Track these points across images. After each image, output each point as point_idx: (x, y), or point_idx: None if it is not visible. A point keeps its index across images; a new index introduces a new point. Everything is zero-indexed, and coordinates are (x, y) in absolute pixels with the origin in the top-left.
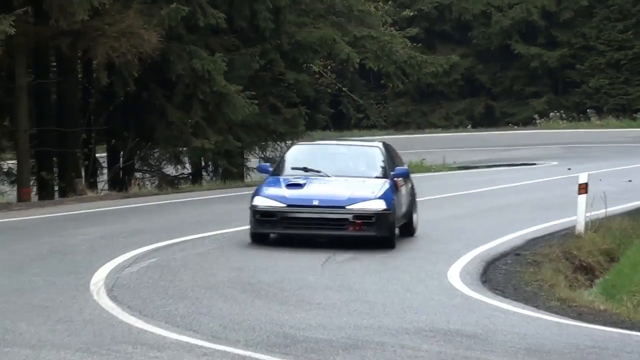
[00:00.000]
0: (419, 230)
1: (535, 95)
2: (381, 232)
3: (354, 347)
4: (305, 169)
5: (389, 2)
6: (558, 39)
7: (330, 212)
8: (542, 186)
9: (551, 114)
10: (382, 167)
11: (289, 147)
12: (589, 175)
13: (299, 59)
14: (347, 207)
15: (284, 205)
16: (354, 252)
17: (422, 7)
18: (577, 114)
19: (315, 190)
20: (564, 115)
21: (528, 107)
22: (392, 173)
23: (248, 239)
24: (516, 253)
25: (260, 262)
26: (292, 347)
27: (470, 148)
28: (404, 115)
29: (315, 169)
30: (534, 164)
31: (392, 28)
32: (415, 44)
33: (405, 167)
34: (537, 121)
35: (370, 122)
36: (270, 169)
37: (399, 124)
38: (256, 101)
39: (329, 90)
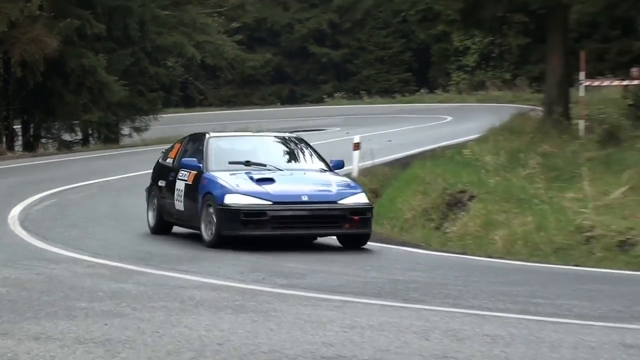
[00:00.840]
0: None
1: (324, 81)
2: (370, 229)
3: (196, 259)
4: (247, 163)
5: (222, 17)
6: (341, 42)
7: (322, 208)
8: (329, 145)
9: (336, 94)
10: (322, 159)
11: (188, 138)
12: (361, 137)
13: (158, 57)
14: (339, 202)
15: (270, 202)
16: None
17: (245, 20)
18: (354, 94)
19: (295, 185)
20: (345, 95)
21: (319, 90)
22: (331, 165)
23: (122, 184)
24: None
25: (131, 200)
26: (151, 260)
27: (279, 119)
28: (232, 97)
29: (254, 161)
30: (324, 129)
31: (224, 35)
32: (240, 46)
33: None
34: (326, 100)
35: (209, 102)
36: (200, 165)
37: (228, 103)
38: (128, 88)
39: (179, 79)
